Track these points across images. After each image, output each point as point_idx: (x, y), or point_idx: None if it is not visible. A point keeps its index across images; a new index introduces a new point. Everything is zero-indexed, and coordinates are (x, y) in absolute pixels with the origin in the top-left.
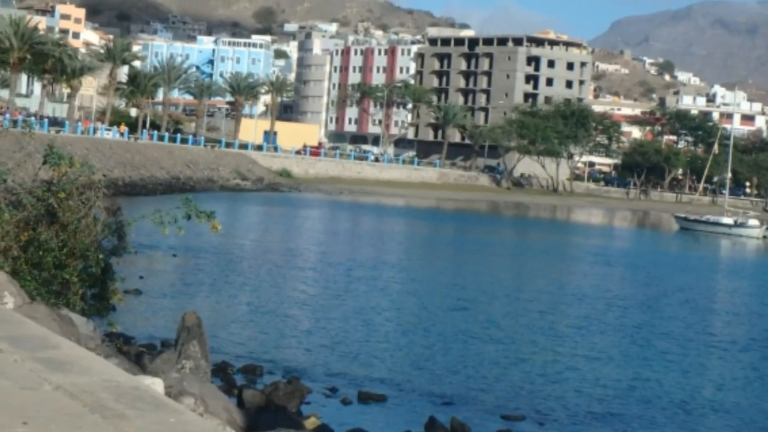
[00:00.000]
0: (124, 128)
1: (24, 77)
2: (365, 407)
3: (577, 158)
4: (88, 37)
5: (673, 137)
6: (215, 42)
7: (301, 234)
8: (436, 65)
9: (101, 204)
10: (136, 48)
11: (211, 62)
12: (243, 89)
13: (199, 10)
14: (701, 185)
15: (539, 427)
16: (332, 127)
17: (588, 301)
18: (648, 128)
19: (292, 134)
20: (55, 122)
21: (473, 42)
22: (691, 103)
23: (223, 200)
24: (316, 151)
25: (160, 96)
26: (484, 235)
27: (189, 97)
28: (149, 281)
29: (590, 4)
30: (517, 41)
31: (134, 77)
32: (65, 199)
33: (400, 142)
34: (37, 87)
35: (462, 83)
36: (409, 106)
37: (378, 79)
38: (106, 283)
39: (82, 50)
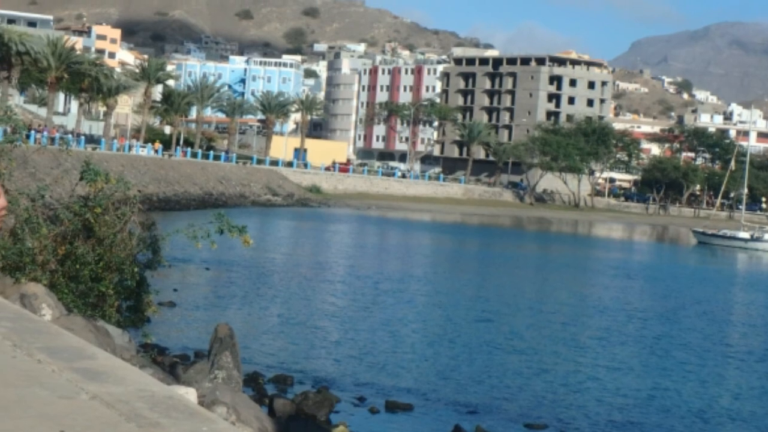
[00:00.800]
0: (158, 145)
1: (61, 96)
2: (392, 416)
3: (597, 174)
4: (124, 57)
5: (691, 154)
6: (247, 62)
7: (330, 248)
8: (461, 84)
9: (136, 219)
10: (170, 67)
11: (242, 81)
12: (274, 107)
13: (231, 31)
14: (718, 201)
15: None
16: (360, 144)
17: (608, 313)
18: (667, 145)
19: (321, 151)
20: (91, 140)
21: (497, 62)
22: (709, 121)
23: (254, 215)
24: (344, 168)
25: (193, 114)
26: (507, 249)
27: (221, 115)
28: (183, 294)
29: (611, 25)
30: (540, 61)
31: (168, 96)
32: (101, 214)
33: (426, 159)
34: (74, 105)
35: (486, 102)
36: (435, 123)
37: (405, 97)
38: (141, 296)
39: (118, 70)
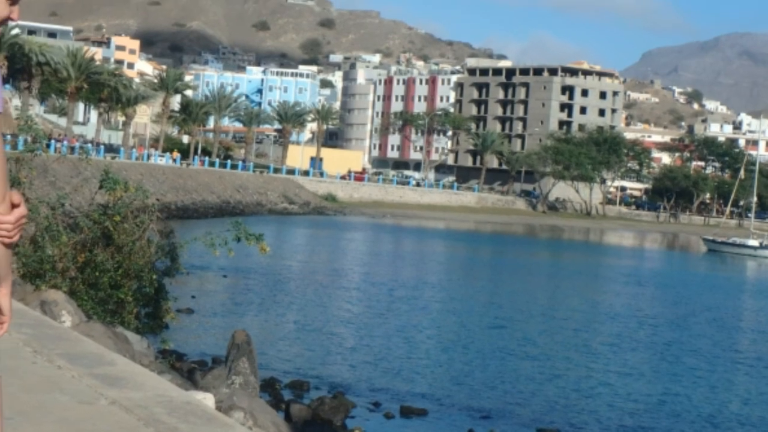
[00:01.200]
0: (176, 154)
1: (81, 106)
2: (407, 421)
3: (609, 183)
4: (143, 68)
5: (701, 163)
6: (264, 72)
7: (346, 255)
8: (475, 94)
9: (155, 227)
10: (188, 78)
11: (259, 91)
12: (290, 117)
13: (248, 42)
14: (728, 209)
15: None
16: (375, 153)
17: (620, 320)
18: (677, 154)
19: (337, 160)
20: (110, 149)
21: (510, 72)
22: (719, 131)
23: (271, 223)
24: (360, 177)
25: (211, 124)
26: (520, 256)
27: (239, 125)
28: (201, 301)
29: (622, 36)
30: (552, 71)
31: (186, 106)
32: (120, 222)
33: (441, 168)
34: (94, 115)
35: (499, 111)
36: (449, 133)
37: (419, 107)
38: (159, 303)
39: (137, 80)
